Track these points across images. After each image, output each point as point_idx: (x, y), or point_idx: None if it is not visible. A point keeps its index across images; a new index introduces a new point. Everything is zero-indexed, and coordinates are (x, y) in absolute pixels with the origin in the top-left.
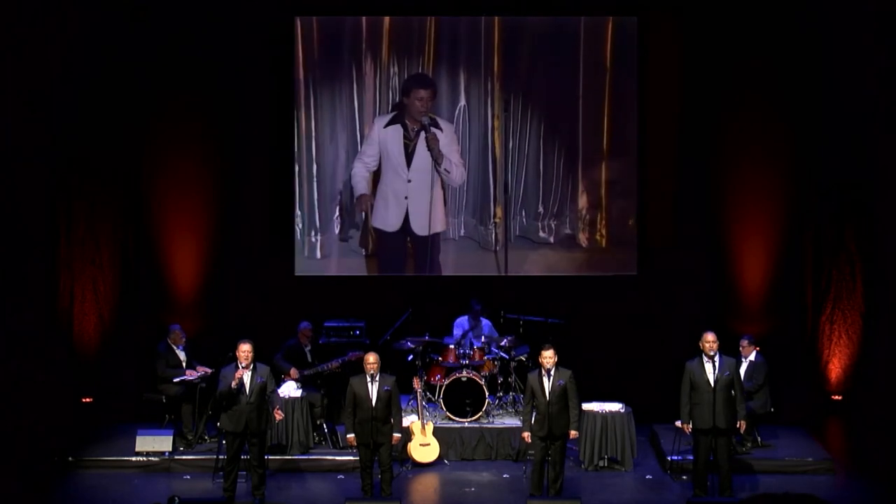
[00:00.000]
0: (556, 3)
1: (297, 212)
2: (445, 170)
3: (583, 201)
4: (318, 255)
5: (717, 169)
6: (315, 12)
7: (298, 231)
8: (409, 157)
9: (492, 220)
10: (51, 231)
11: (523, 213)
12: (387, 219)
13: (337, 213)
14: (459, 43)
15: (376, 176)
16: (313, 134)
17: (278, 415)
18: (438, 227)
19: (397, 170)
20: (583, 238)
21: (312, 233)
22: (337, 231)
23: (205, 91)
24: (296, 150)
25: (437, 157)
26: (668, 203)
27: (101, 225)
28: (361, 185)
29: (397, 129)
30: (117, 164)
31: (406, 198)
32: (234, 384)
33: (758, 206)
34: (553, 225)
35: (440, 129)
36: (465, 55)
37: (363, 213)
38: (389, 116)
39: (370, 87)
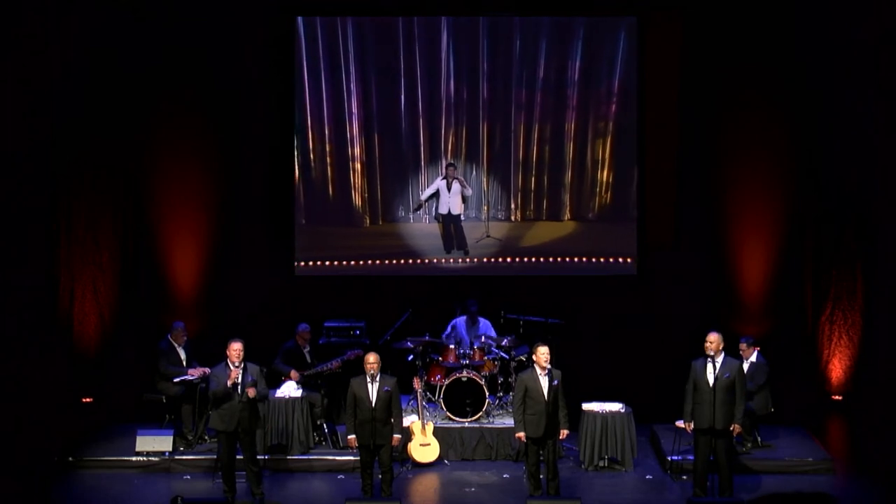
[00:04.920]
0: (556, 3)
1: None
2: (464, 191)
3: (515, 204)
4: (423, 215)
5: (717, 169)
6: (315, 12)
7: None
8: (448, 187)
9: (482, 209)
10: (51, 231)
11: (494, 208)
12: (441, 209)
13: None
14: (475, 143)
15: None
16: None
17: (251, 392)
18: (460, 211)
19: (443, 191)
20: (516, 214)
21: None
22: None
23: (205, 91)
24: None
25: (462, 187)
26: (669, 203)
27: (101, 225)
28: (422, 199)
29: (444, 181)
30: (117, 164)
31: (448, 201)
32: (229, 383)
33: (758, 206)
34: (504, 207)
35: (460, 178)
36: (475, 153)
37: (426, 207)
38: (443, 175)
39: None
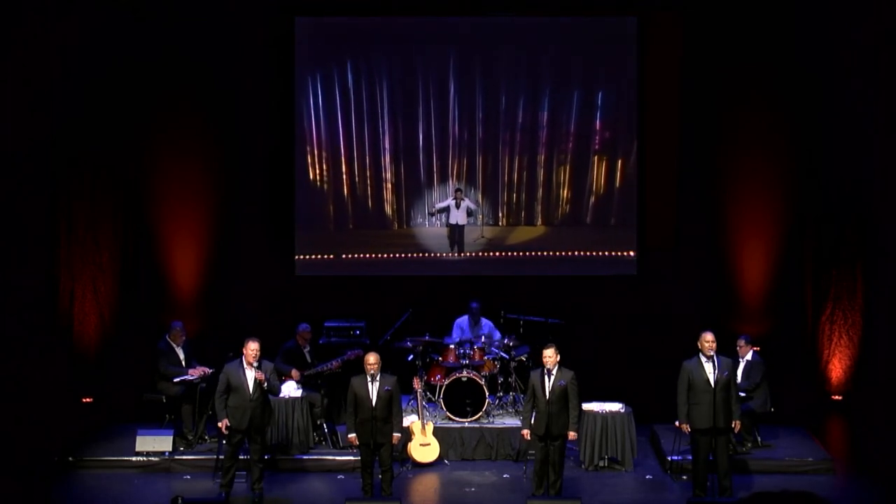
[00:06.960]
0: (557, 2)
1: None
2: (469, 207)
3: (502, 214)
4: (436, 221)
5: (717, 169)
6: (315, 12)
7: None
8: (457, 206)
9: (478, 217)
10: (51, 231)
11: (487, 216)
12: (451, 220)
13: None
14: (473, 170)
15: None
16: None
17: (259, 376)
18: (464, 222)
19: (453, 208)
20: (503, 221)
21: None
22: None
23: (205, 91)
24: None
25: (469, 205)
26: (669, 203)
27: (101, 225)
28: (435, 209)
29: (453, 200)
30: (117, 164)
31: (456, 216)
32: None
33: (758, 205)
34: (493, 216)
35: (466, 199)
36: (473, 177)
37: (438, 216)
38: (452, 196)
39: (452, 185)
